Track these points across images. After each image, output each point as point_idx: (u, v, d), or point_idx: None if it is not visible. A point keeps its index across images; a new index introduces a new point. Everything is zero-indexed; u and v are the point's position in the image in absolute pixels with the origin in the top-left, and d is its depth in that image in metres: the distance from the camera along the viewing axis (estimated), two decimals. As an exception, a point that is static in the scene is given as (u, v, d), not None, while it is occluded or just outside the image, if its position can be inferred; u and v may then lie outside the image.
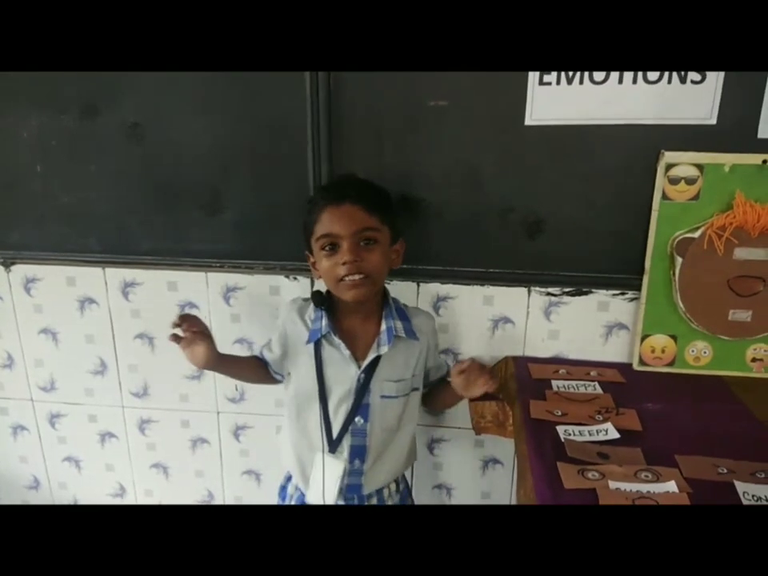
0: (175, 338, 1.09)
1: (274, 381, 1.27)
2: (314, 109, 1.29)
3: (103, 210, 1.45)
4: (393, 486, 1.26)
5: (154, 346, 1.56)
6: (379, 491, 1.23)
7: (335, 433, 1.16)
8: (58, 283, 1.53)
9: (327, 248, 1.08)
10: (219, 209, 1.41)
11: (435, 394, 1.29)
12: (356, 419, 1.15)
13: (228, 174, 1.38)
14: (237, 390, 1.55)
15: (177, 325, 1.08)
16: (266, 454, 1.63)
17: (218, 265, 1.45)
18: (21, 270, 1.54)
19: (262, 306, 1.47)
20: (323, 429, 1.16)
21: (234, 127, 1.35)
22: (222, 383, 1.54)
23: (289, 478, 1.29)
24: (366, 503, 1.21)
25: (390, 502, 1.25)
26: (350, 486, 1.19)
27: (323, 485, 1.16)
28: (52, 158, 1.43)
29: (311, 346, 1.14)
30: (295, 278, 1.44)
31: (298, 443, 1.21)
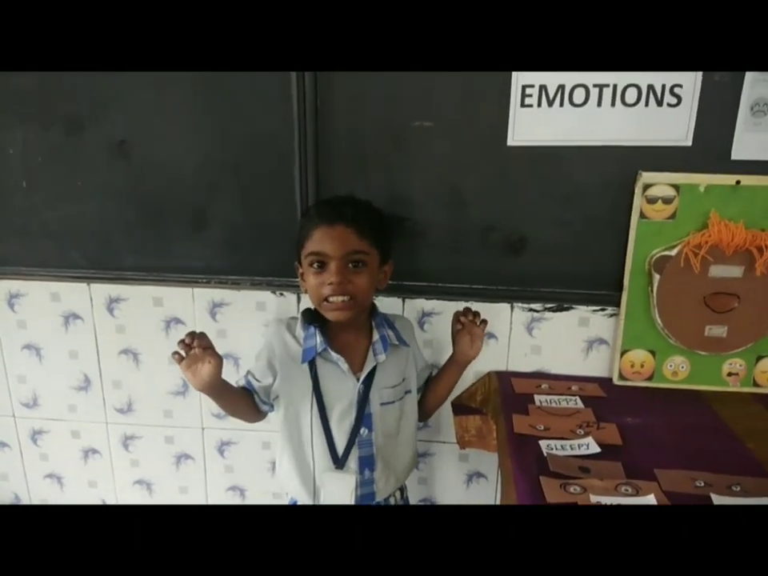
0: (178, 356, 1.02)
1: (258, 415, 1.23)
2: (301, 127, 1.31)
3: (89, 225, 1.45)
4: (398, 494, 1.27)
5: (139, 361, 1.56)
6: (386, 499, 1.23)
7: (341, 448, 1.15)
8: (42, 299, 1.53)
9: (315, 265, 1.09)
10: (205, 225, 1.42)
11: (431, 389, 1.29)
12: (361, 430, 1.16)
13: (214, 191, 1.39)
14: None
15: (186, 344, 1.01)
16: (251, 470, 1.63)
17: (204, 280, 1.46)
18: (4, 286, 1.53)
19: (248, 321, 1.48)
20: (328, 446, 1.15)
21: (220, 144, 1.36)
22: (206, 399, 1.52)
23: (294, 503, 1.25)
24: None
25: None
26: (363, 495, 1.18)
27: (338, 502, 1.15)
28: (37, 173, 1.43)
29: (305, 364, 1.13)
30: (282, 294, 1.45)
31: (301, 466, 1.17)
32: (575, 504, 0.91)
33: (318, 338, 1.13)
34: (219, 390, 1.10)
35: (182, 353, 1.01)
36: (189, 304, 1.48)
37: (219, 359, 1.03)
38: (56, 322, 1.55)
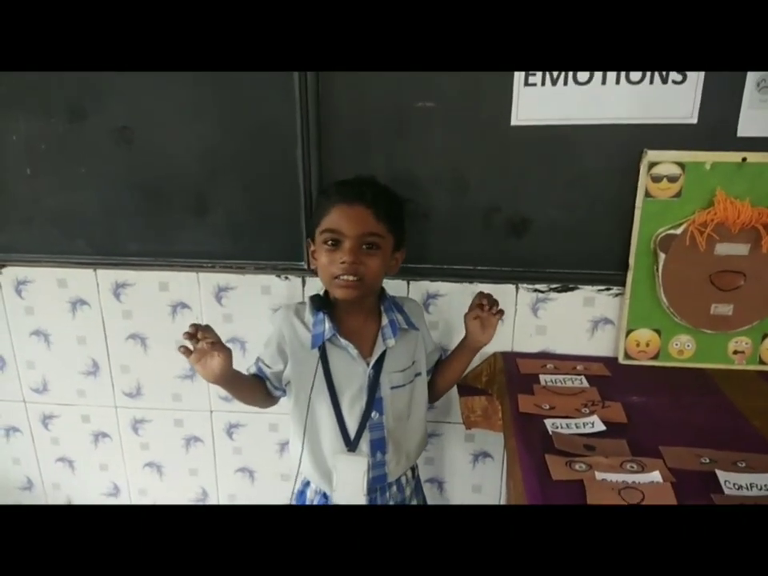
0: (186, 350, 1.01)
1: (271, 400, 1.24)
2: (303, 111, 1.30)
3: (93, 212, 1.46)
4: (409, 473, 1.28)
5: (147, 346, 1.57)
6: (398, 479, 1.24)
7: (352, 431, 1.16)
8: (49, 285, 1.54)
9: (330, 243, 1.08)
10: (209, 210, 1.42)
11: (440, 372, 1.29)
12: (372, 414, 1.16)
13: (217, 176, 1.39)
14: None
15: (191, 335, 1.00)
16: (260, 451, 1.65)
17: (209, 265, 1.46)
18: (12, 273, 1.55)
19: (254, 305, 1.48)
20: (340, 429, 1.16)
21: (223, 130, 1.36)
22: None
23: (306, 483, 1.26)
24: (387, 492, 1.23)
25: (407, 489, 1.27)
26: (375, 477, 1.19)
27: (350, 484, 1.16)
28: (41, 161, 1.43)
29: (315, 350, 1.13)
30: (287, 278, 1.45)
31: (314, 449, 1.19)
32: (582, 499, 0.91)
33: (327, 324, 1.12)
34: (231, 381, 1.11)
35: (190, 346, 1.01)
36: (194, 289, 1.49)
37: (228, 352, 1.03)
38: (63, 308, 1.56)
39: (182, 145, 1.38)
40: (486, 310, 1.17)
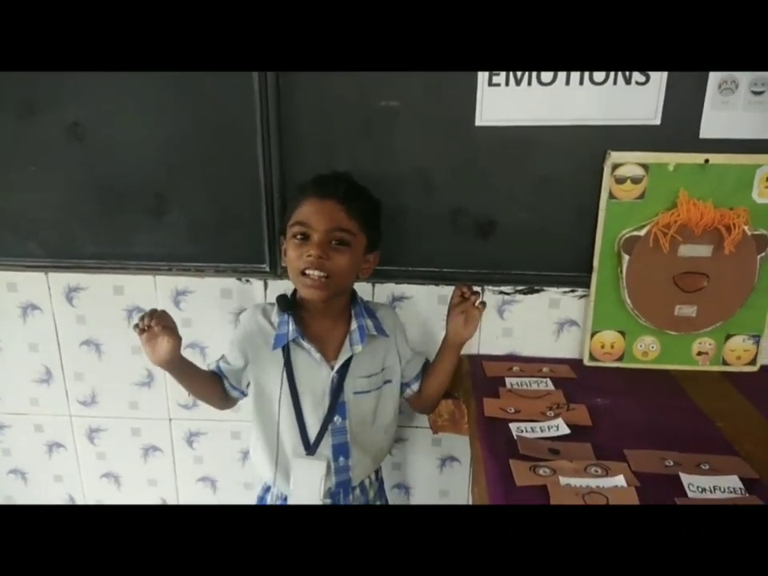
0: (139, 329, 1.01)
1: (227, 400, 1.21)
2: (263, 109, 1.27)
3: (44, 212, 1.39)
4: (372, 475, 1.26)
5: (101, 352, 1.51)
6: (361, 482, 1.22)
7: (313, 435, 1.14)
8: (-2, 289, 1.47)
9: (298, 237, 1.07)
10: (166, 210, 1.37)
11: (429, 375, 1.24)
12: (335, 418, 1.14)
13: (175, 175, 1.35)
14: (189, 395, 1.51)
15: (144, 319, 1.02)
16: (222, 460, 1.60)
17: (166, 268, 1.41)
18: (-42, 277, 1.47)
19: (213, 309, 1.44)
20: (300, 432, 1.14)
21: (181, 127, 1.31)
22: (173, 390, 1.50)
23: (267, 489, 1.24)
24: (351, 495, 1.20)
25: (371, 491, 1.25)
26: (339, 483, 1.17)
27: (307, 488, 1.14)
28: (-12, 159, 1.36)
29: (278, 351, 1.11)
30: (248, 281, 1.41)
31: (274, 452, 1.16)
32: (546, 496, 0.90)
33: (291, 326, 1.10)
34: (179, 369, 1.10)
35: (140, 325, 1.01)
36: (151, 292, 1.44)
37: (177, 338, 1.03)
38: (13, 313, 1.49)
39: (138, 142, 1.33)
40: (469, 299, 1.13)
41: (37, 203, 1.39)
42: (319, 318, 1.14)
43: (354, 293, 1.19)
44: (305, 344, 1.11)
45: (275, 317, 1.15)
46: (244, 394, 1.21)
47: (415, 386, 1.24)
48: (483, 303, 1.15)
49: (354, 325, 1.14)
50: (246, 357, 1.16)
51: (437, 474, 1.58)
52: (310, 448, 1.14)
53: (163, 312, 1.04)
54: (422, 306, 1.41)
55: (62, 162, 1.36)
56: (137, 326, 1.01)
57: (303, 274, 1.06)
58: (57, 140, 1.34)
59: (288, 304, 1.12)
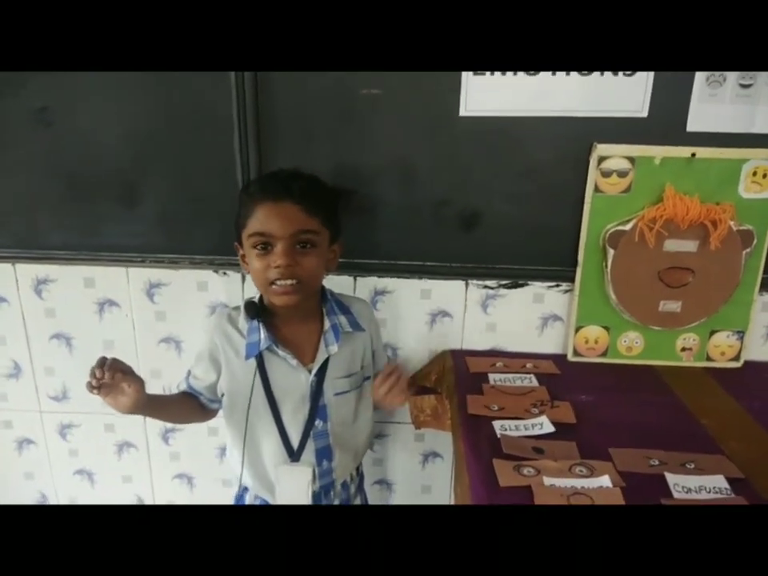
0: (91, 387, 0.92)
1: (209, 414, 1.17)
2: (240, 96, 1.22)
3: (10, 201, 1.34)
4: (353, 471, 1.23)
5: (72, 346, 1.46)
6: (343, 482, 1.19)
7: (295, 441, 1.10)
8: (-37, 281, 1.41)
9: (259, 247, 1.00)
10: (139, 199, 1.32)
11: None
12: (316, 422, 1.10)
13: (147, 162, 1.29)
14: (164, 392, 1.47)
15: (95, 375, 0.92)
16: (198, 457, 1.56)
17: (138, 259, 1.36)
18: None
19: (189, 302, 1.39)
20: (282, 441, 1.10)
21: (154, 113, 1.26)
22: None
23: (245, 489, 1.19)
24: (332, 491, 1.17)
25: (352, 486, 1.23)
26: (323, 486, 1.14)
27: (294, 495, 1.11)
28: (-50, 145, 1.30)
29: (251, 360, 1.06)
30: (225, 273, 1.37)
31: (254, 462, 1.12)
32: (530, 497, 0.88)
33: (263, 333, 1.04)
34: (150, 408, 1.04)
35: (93, 383, 0.92)
36: (123, 285, 1.39)
37: (138, 381, 0.96)
38: (-21, 306, 1.43)
39: (109, 128, 1.28)
40: (395, 379, 1.03)
41: (2, 191, 1.33)
42: (290, 321, 1.09)
43: (323, 290, 1.14)
44: (280, 351, 1.06)
45: (242, 323, 1.08)
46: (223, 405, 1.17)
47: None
48: (402, 376, 1.04)
49: (327, 324, 1.09)
50: (218, 368, 1.11)
51: (419, 469, 1.56)
52: (294, 455, 1.11)
53: (113, 360, 0.94)
54: (405, 300, 1.38)
55: (28, 148, 1.30)
56: (89, 383, 0.92)
57: (273, 284, 1.00)
58: (23, 125, 1.28)
59: (257, 310, 1.06)
